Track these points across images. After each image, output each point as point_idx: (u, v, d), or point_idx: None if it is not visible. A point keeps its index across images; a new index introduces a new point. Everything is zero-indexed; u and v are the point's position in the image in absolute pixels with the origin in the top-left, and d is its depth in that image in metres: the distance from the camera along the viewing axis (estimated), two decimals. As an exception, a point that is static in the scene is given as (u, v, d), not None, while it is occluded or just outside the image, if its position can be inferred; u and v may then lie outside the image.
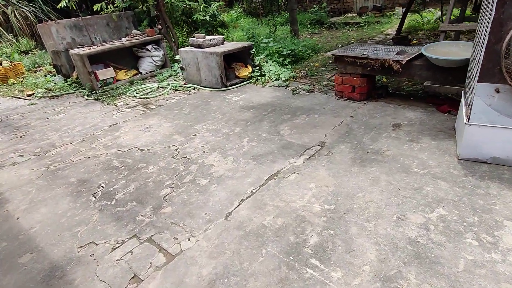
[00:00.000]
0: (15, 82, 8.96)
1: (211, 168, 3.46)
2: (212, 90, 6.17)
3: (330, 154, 3.43)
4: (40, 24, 7.93)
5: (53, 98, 7.03)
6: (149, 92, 6.53)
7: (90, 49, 6.85)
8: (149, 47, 7.58)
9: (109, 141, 4.48)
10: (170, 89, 6.48)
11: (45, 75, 8.84)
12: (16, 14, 12.41)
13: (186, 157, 3.78)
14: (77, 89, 7.40)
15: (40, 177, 3.74)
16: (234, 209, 2.77)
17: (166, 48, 8.11)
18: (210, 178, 3.27)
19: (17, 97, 7.36)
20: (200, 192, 3.08)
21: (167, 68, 7.94)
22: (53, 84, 8.03)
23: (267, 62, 6.51)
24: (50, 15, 13.58)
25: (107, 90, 6.92)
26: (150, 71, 7.78)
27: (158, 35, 7.71)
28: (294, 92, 5.48)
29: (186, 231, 2.59)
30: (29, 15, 12.69)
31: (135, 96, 6.38)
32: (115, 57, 7.58)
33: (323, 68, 6.57)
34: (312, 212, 2.60)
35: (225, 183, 3.15)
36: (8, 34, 12.16)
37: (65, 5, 8.91)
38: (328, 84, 5.63)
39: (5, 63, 9.19)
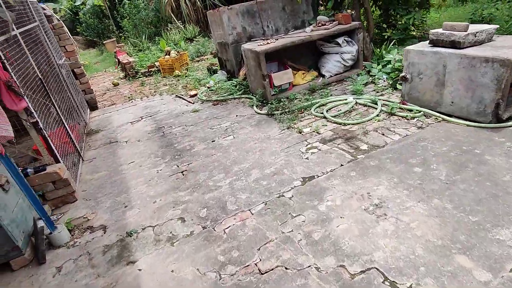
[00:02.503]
0: (180, 74, 8.35)
1: None
2: (469, 125, 3.48)
3: None
4: (210, 10, 6.75)
5: (217, 103, 5.71)
6: (345, 111, 4.35)
7: (267, 43, 5.11)
8: (340, 40, 5.36)
9: (313, 226, 2.50)
10: (381, 112, 4.12)
11: (208, 69, 7.86)
12: (187, 0, 12.27)
13: None
14: (243, 93, 5.91)
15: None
16: None
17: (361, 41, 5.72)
18: None
19: (181, 97, 6.42)
20: None
21: (359, 71, 5.59)
22: (214, 82, 6.85)
23: None
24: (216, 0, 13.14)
25: (282, 100, 5.11)
26: (336, 74, 5.60)
27: (355, 23, 5.37)
28: None
29: None
30: (198, 1, 12.43)
31: (324, 117, 4.31)
32: (289, 52, 5.70)
33: None
34: None
35: None
36: (177, 21, 12.15)
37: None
38: None
39: (173, 53, 8.68)
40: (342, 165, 3.21)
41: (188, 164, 3.82)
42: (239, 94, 5.86)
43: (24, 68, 3.45)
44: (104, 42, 15.54)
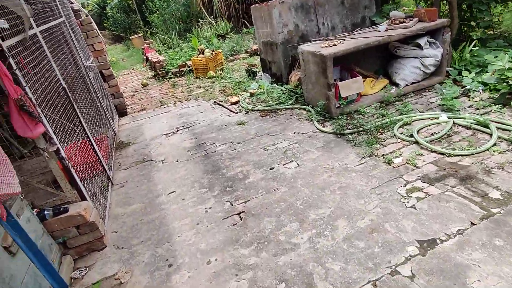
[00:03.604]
0: (215, 75, 7.53)
1: None
2: None
3: None
4: (255, 5, 5.85)
5: (265, 114, 4.83)
6: (443, 135, 3.35)
7: (334, 45, 4.17)
8: (422, 41, 4.33)
9: None
10: (497, 140, 3.10)
11: (247, 71, 6.99)
12: (219, -6, 11.43)
13: None
14: (295, 102, 5.00)
15: None
16: None
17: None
18: None
19: (220, 105, 5.59)
20: None
21: (441, 79, 4.55)
22: (257, 86, 5.98)
23: None
24: (249, -7, 12.22)
25: (351, 113, 4.19)
26: (414, 83, 4.59)
27: (442, 21, 4.33)
28: None
29: None
30: (230, -6, 11.57)
31: (415, 142, 3.35)
32: (352, 55, 4.71)
33: None
34: None
35: None
36: (209, 17, 11.33)
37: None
38: None
39: (207, 52, 7.86)
40: (473, 224, 2.26)
41: (245, 202, 2.96)
42: (291, 104, 4.95)
43: (43, 78, 2.69)
44: (130, 37, 15.00)
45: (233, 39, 10.18)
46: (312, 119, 4.29)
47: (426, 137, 3.40)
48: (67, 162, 2.51)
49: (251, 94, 5.70)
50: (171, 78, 8.22)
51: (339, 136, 3.80)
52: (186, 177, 3.57)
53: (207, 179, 3.47)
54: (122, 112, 5.97)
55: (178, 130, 4.87)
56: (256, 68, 7.02)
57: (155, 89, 7.64)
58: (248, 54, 9.07)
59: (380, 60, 5.08)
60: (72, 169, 2.56)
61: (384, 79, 4.76)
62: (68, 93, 3.19)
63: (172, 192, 3.35)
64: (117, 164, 4.20)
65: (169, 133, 4.83)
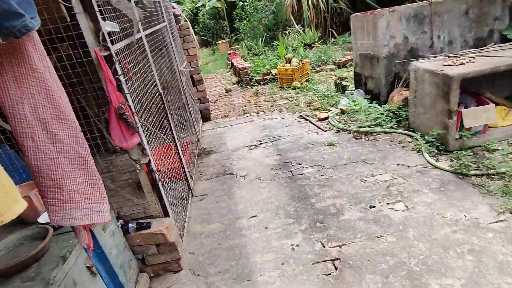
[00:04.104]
0: (300, 86, 7.15)
1: None
2: None
3: None
4: (358, 14, 5.31)
5: (360, 136, 4.25)
6: None
7: (461, 63, 3.41)
8: None
9: None
10: None
11: (336, 84, 6.45)
12: (309, 2, 11.08)
13: None
14: (396, 125, 4.32)
15: None
16: None
17: None
18: None
19: (307, 119, 5.17)
20: None
21: None
22: (348, 102, 5.41)
23: None
24: (340, 1, 11.62)
25: (475, 148, 3.39)
26: None
27: None
28: None
29: None
30: (321, 2, 11.12)
31: None
32: (477, 77, 3.83)
33: None
34: None
35: None
36: (297, 25, 11.05)
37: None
38: None
39: (294, 61, 7.53)
40: None
41: (340, 246, 2.47)
42: (392, 127, 4.28)
43: (143, 84, 2.60)
44: (217, 42, 15.61)
45: (320, 49, 9.70)
46: (421, 150, 3.58)
47: None
48: (156, 175, 2.34)
49: (342, 111, 5.15)
50: (254, 85, 8.10)
51: (460, 177, 3.05)
52: (270, 201, 3.21)
53: (293, 207, 3.06)
54: (206, 117, 5.96)
55: (261, 143, 4.59)
56: (347, 81, 6.43)
57: (238, 95, 7.57)
58: (336, 66, 8.50)
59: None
60: (160, 183, 2.39)
61: (520, 108, 3.79)
62: (163, 99, 3.11)
63: (254, 216, 3.03)
64: (198, 173, 4.07)
65: (251, 146, 4.57)
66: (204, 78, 10.30)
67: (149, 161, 2.28)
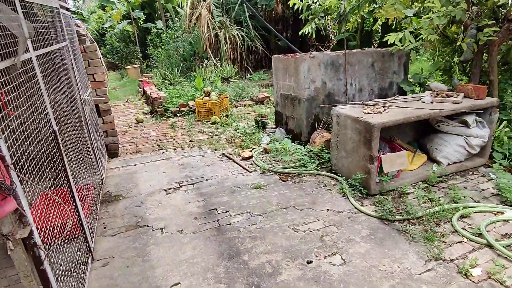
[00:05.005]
0: (219, 120, 6.90)
1: None
2: None
3: None
4: (279, 55, 5.44)
5: (286, 178, 4.14)
6: (519, 240, 2.74)
7: (378, 112, 3.65)
8: (470, 118, 3.91)
9: None
10: None
11: (256, 121, 6.42)
12: (227, 37, 11.27)
13: None
14: (320, 166, 4.38)
15: None
16: None
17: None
18: None
19: (230, 158, 4.87)
20: None
21: (484, 161, 4.10)
22: (269, 140, 5.38)
23: None
24: (256, 41, 12.18)
25: (392, 192, 3.57)
26: (456, 162, 4.09)
27: (491, 100, 3.97)
28: None
29: None
30: (238, 39, 11.44)
31: (489, 245, 2.71)
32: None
33: None
34: None
35: None
36: (214, 58, 11.03)
37: (309, 31, 6.40)
38: None
39: (214, 95, 7.30)
40: None
41: (283, 318, 2.13)
42: (316, 169, 4.31)
43: (30, 120, 1.91)
44: (126, 66, 14.51)
45: (238, 84, 9.78)
46: (346, 194, 3.62)
47: (498, 239, 2.78)
48: (42, 252, 1.65)
49: (266, 150, 5.04)
50: (170, 117, 7.53)
51: (386, 222, 3.12)
52: (195, 261, 2.71)
53: (224, 267, 2.63)
54: (113, 153, 5.12)
55: (181, 186, 4.06)
56: (267, 119, 6.47)
57: (152, 127, 6.88)
58: (253, 102, 8.61)
59: (413, 132, 4.63)
60: (47, 264, 1.70)
61: (422, 154, 4.26)
62: (58, 136, 2.40)
63: (177, 284, 2.47)
64: (102, 227, 3.28)
65: (169, 189, 4.00)
66: (112, 105, 9.20)
67: (31, 232, 1.59)
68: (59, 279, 2.02)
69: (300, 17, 6.97)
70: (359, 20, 8.11)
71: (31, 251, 1.63)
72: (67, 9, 3.94)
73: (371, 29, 10.08)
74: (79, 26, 4.46)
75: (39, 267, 1.68)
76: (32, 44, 2.18)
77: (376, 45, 11.17)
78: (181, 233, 3.12)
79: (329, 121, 4.86)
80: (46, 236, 1.85)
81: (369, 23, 10.32)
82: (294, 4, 6.43)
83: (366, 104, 3.99)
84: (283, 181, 4.10)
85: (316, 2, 6.40)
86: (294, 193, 3.76)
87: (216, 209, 3.50)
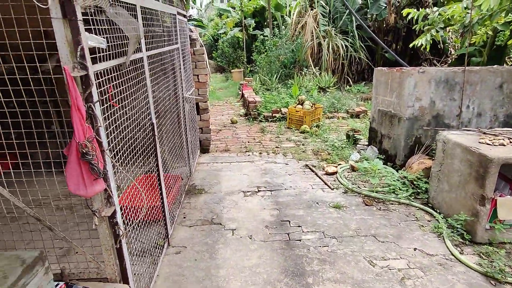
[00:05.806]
0: (308, 130, 6.75)
1: None
2: None
3: None
4: (383, 68, 5.00)
5: (371, 203, 3.75)
6: None
7: (502, 144, 2.98)
8: None
9: None
10: None
11: (347, 136, 6.04)
12: (330, 46, 11.03)
13: None
14: (413, 196, 3.83)
15: None
16: None
17: None
18: None
19: (313, 171, 4.69)
20: None
21: None
22: (358, 158, 4.97)
23: None
24: (360, 51, 11.58)
25: (506, 244, 2.87)
26: None
27: None
28: None
29: None
30: (341, 49, 11.07)
31: None
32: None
33: None
34: None
35: None
36: (314, 67, 10.91)
37: (422, 43, 5.73)
38: None
39: (307, 104, 7.20)
40: None
41: None
42: (407, 198, 3.79)
43: (131, 112, 2.16)
44: (231, 70, 15.59)
45: (334, 95, 9.45)
46: (442, 234, 3.06)
47: None
48: (121, 230, 1.83)
49: (353, 168, 4.68)
50: (262, 121, 7.73)
51: (493, 282, 2.50)
52: (258, 271, 2.65)
53: (285, 285, 2.50)
54: (204, 149, 5.51)
55: (259, 191, 4.09)
56: (360, 134, 6.03)
57: (243, 129, 7.17)
58: (348, 115, 8.16)
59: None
60: (124, 241, 1.87)
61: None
62: (155, 129, 2.66)
63: (236, 290, 2.46)
64: (182, 216, 3.53)
65: (248, 192, 4.06)
66: (212, 104, 10.02)
67: (114, 212, 1.78)
68: (133, 257, 2.22)
69: (414, 28, 6.29)
70: (490, 32, 6.91)
71: (113, 228, 1.82)
72: (184, 16, 4.39)
73: (506, 43, 8.46)
74: (192, 31, 4.95)
75: (118, 243, 1.86)
76: (146, 46, 2.48)
77: (510, 63, 9.35)
78: (250, 238, 3.11)
79: (432, 146, 4.23)
80: (128, 218, 2.05)
81: (503, 36, 8.70)
82: (408, 14, 5.84)
83: (484, 133, 3.31)
84: (367, 205, 3.72)
85: (436, 11, 5.68)
86: (377, 221, 3.37)
87: (289, 222, 3.39)
